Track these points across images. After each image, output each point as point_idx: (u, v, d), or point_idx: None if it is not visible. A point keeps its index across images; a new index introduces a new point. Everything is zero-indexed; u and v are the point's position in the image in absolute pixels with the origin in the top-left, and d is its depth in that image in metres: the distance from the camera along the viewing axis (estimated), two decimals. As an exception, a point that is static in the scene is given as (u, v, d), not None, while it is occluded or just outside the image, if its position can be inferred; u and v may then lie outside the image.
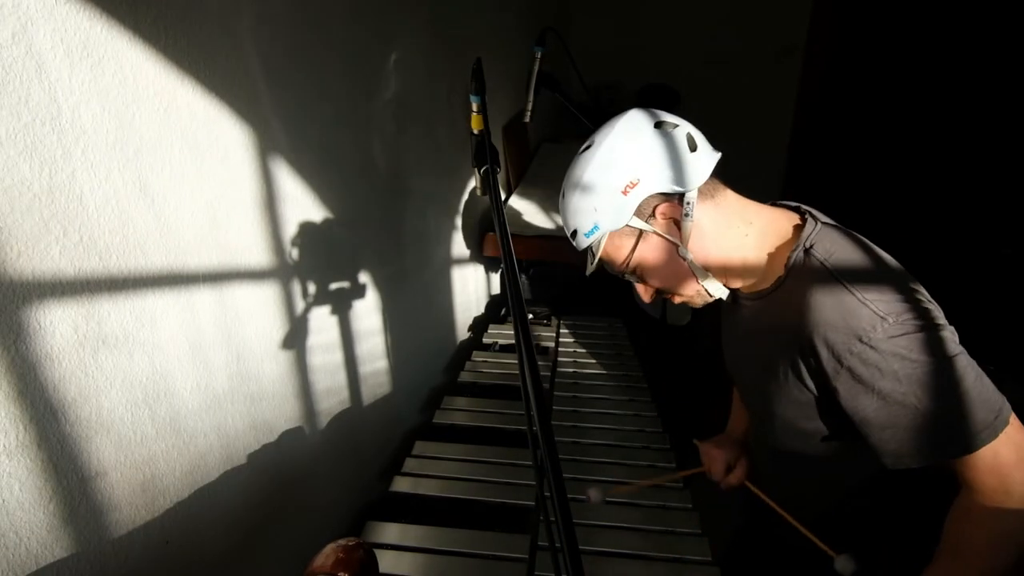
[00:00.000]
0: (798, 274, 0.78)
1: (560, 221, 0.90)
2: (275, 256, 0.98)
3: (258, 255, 0.94)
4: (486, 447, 1.35)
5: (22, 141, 0.57)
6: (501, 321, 2.06)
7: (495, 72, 1.90)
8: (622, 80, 3.41)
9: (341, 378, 1.23)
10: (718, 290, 0.86)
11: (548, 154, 2.85)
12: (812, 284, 0.75)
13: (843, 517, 0.93)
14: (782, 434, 0.89)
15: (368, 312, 1.32)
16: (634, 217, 0.80)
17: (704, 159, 0.80)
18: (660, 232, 0.81)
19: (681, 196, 0.79)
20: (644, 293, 0.90)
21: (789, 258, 0.79)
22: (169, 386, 0.77)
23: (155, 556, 0.76)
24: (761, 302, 0.84)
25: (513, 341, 1.14)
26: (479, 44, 1.99)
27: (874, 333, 0.69)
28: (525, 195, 2.31)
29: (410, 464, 1.29)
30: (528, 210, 2.19)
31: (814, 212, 0.85)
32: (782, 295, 0.80)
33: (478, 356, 1.80)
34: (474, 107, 0.94)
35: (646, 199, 0.79)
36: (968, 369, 0.69)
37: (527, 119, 1.62)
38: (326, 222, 1.12)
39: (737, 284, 0.87)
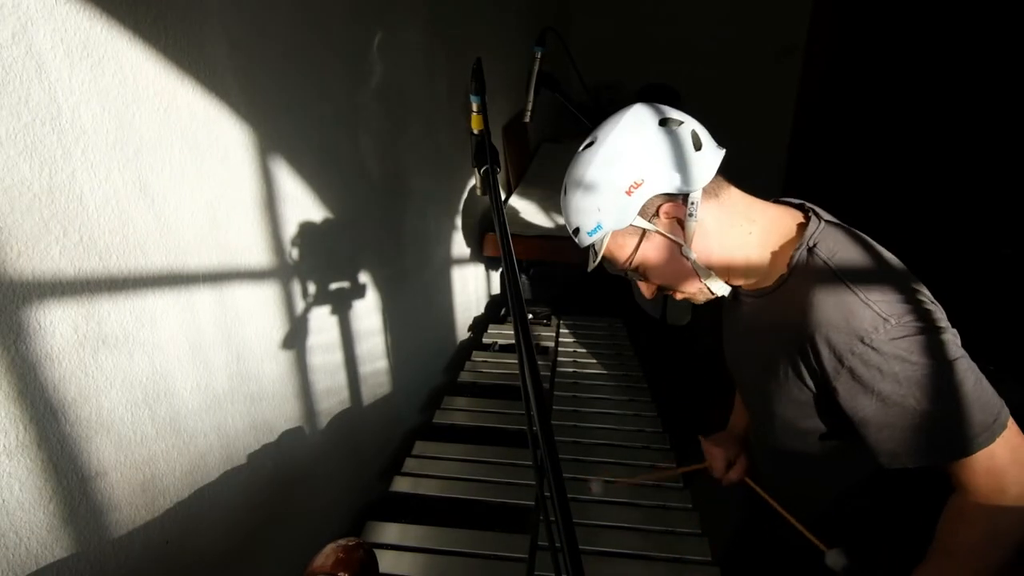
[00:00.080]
0: (801, 273, 0.78)
1: (561, 220, 0.90)
2: (275, 256, 0.98)
3: (258, 255, 0.94)
4: (486, 447, 1.35)
5: (22, 141, 0.57)
6: (501, 321, 2.06)
7: (495, 72, 1.90)
8: (622, 80, 3.41)
9: (341, 378, 1.23)
10: (720, 288, 0.85)
11: (548, 154, 2.85)
12: (815, 283, 0.75)
13: (840, 516, 0.93)
14: (781, 432, 0.89)
15: (368, 312, 1.32)
16: (638, 217, 0.79)
17: (709, 157, 0.79)
18: (663, 232, 0.81)
19: (685, 196, 0.79)
20: (646, 290, 0.90)
21: (792, 257, 0.79)
22: (169, 386, 0.77)
23: (155, 556, 0.76)
24: (763, 300, 0.84)
25: (513, 341, 1.14)
26: (479, 44, 1.99)
27: (876, 334, 0.69)
28: (525, 195, 2.32)
29: (410, 464, 1.29)
30: (528, 210, 2.19)
31: (817, 210, 0.84)
32: (784, 293, 0.80)
33: (478, 356, 1.80)
34: (474, 107, 0.94)
35: (650, 199, 0.79)
36: (968, 373, 0.69)
37: (527, 119, 1.61)
38: (326, 222, 1.12)
39: (740, 282, 0.87)
